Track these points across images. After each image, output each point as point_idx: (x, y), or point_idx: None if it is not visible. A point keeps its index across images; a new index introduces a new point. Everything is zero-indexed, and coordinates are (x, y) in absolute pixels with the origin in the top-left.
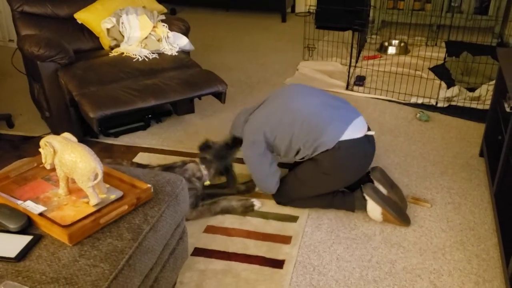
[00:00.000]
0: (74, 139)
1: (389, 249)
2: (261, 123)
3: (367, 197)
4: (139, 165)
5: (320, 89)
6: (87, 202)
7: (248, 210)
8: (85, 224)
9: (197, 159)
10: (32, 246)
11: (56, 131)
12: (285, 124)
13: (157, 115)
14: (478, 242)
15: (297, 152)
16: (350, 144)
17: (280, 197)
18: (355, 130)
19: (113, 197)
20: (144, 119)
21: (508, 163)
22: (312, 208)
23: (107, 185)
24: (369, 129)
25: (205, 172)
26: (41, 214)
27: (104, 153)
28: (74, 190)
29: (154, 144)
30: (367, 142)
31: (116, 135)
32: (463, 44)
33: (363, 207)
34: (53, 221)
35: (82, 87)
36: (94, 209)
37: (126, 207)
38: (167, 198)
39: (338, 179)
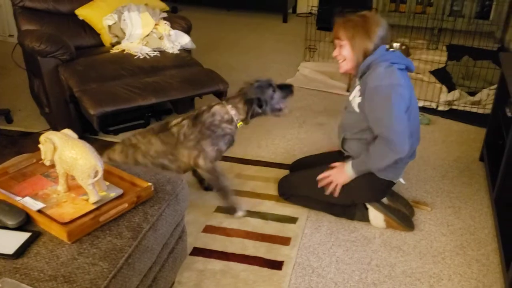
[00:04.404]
0: (75, 135)
1: (388, 252)
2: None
3: (368, 205)
4: (160, 129)
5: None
6: (87, 200)
7: (230, 212)
8: (84, 221)
9: (223, 101)
10: (30, 243)
11: (56, 127)
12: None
13: (157, 113)
14: (478, 247)
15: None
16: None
17: (286, 189)
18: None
19: (113, 195)
20: (144, 117)
21: (509, 169)
22: (312, 210)
23: (107, 183)
24: None
25: (232, 111)
26: (39, 211)
27: (103, 150)
28: (73, 187)
29: None
30: None
31: (116, 132)
32: (464, 48)
33: (363, 218)
34: (51, 218)
35: (83, 84)
36: (93, 207)
37: (126, 205)
38: (167, 197)
39: (367, 195)
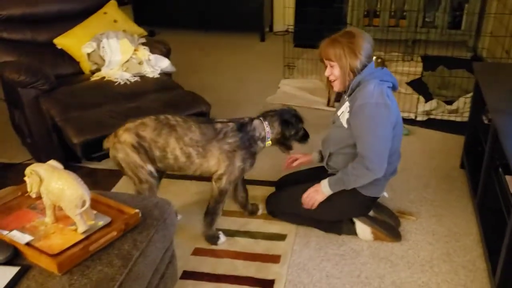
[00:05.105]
0: (60, 166)
1: (377, 264)
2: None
3: (354, 219)
4: (205, 120)
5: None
6: (75, 230)
7: (213, 240)
8: (74, 252)
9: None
10: (20, 278)
11: (38, 157)
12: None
13: None
14: (464, 253)
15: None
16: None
17: (274, 207)
18: None
19: (101, 223)
20: None
21: (489, 175)
22: (300, 226)
23: (95, 211)
24: None
25: (267, 129)
26: (28, 244)
27: (87, 178)
28: (61, 217)
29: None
30: None
31: (100, 159)
32: (439, 58)
33: (351, 231)
34: (40, 251)
35: (65, 113)
36: (82, 237)
37: (114, 233)
38: (156, 222)
39: (353, 211)
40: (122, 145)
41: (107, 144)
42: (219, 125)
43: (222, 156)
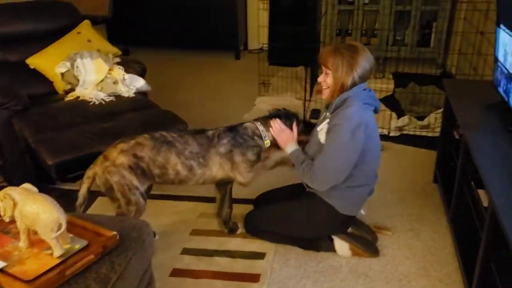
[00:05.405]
0: (35, 189)
1: (356, 280)
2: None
3: (333, 236)
4: (197, 131)
5: None
6: (51, 254)
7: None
8: (49, 277)
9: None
10: None
11: (10, 179)
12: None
13: None
14: (440, 267)
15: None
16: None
17: (252, 226)
18: None
19: (77, 246)
20: None
21: (461, 189)
22: (279, 244)
23: (71, 235)
24: None
25: (261, 128)
26: (1, 270)
27: (61, 199)
28: (35, 242)
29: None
30: None
31: (74, 180)
32: (409, 75)
33: (329, 248)
34: (15, 277)
35: (39, 133)
36: (58, 261)
37: (92, 256)
38: (134, 244)
39: (331, 229)
40: (118, 168)
41: (94, 170)
42: (210, 132)
43: (223, 160)
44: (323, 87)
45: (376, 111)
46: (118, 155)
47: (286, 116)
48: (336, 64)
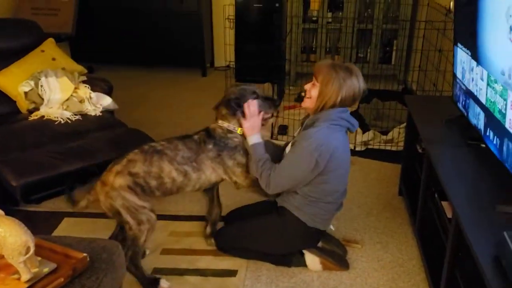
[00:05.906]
0: (1, 212)
1: None
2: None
3: (304, 251)
4: (184, 136)
5: None
6: (18, 279)
7: None
8: None
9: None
10: None
11: None
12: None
13: (82, 177)
14: (408, 278)
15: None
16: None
17: (223, 243)
18: None
19: (46, 270)
20: (68, 182)
21: (426, 201)
22: (251, 260)
23: (39, 258)
24: None
25: (225, 124)
26: None
27: (25, 221)
28: (1, 266)
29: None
30: None
31: (38, 201)
32: (372, 91)
33: (300, 263)
34: None
35: (2, 154)
36: (26, 286)
37: (61, 279)
38: (104, 265)
39: (301, 243)
40: (118, 191)
41: (94, 196)
42: (196, 137)
43: (214, 164)
44: (306, 96)
45: (350, 130)
46: (115, 178)
47: (242, 91)
48: (327, 80)
